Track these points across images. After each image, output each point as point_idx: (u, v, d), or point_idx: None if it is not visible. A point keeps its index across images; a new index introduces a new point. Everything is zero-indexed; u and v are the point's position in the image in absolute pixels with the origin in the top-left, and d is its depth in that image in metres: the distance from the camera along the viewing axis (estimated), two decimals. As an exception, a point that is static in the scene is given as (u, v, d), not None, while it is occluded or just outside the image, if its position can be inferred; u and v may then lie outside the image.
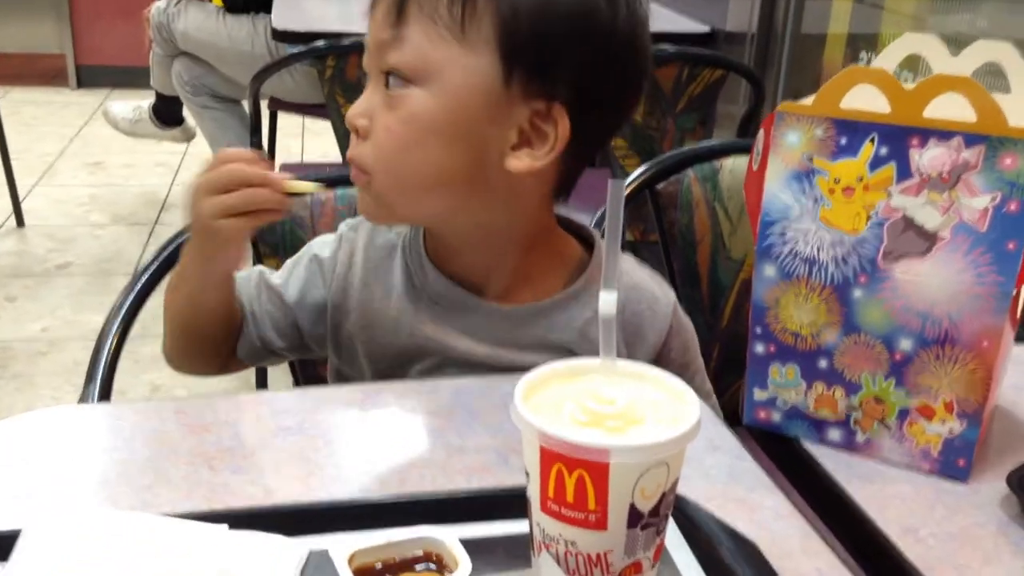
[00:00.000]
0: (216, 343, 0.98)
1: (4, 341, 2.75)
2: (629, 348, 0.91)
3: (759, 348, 0.80)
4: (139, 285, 1.09)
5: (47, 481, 0.72)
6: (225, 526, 0.64)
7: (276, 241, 1.25)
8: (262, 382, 1.99)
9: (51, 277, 3.17)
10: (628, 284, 0.93)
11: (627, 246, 2.94)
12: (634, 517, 0.56)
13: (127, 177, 4.05)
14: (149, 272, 1.11)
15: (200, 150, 3.59)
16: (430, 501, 0.69)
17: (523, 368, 0.87)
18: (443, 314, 0.91)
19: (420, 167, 0.83)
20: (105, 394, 1.06)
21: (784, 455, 0.79)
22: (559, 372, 0.61)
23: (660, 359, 0.93)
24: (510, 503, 0.65)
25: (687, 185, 1.47)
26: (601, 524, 0.56)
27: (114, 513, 0.65)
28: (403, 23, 0.82)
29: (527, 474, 0.58)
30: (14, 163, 3.58)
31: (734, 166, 1.50)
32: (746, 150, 1.50)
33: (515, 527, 0.65)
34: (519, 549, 0.62)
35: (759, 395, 0.80)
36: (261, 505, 0.68)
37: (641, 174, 1.46)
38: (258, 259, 1.25)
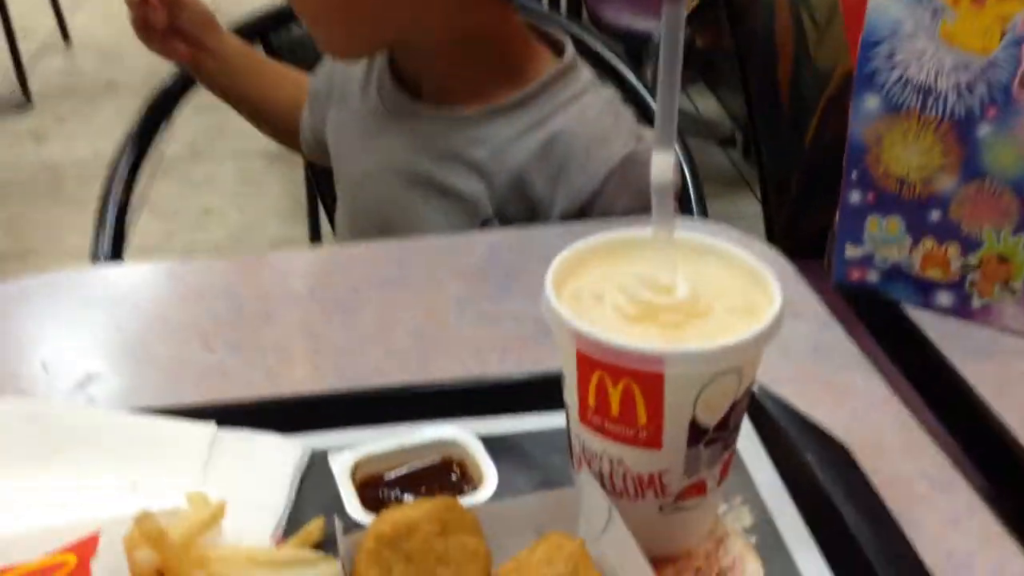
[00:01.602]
0: (273, 127, 1.03)
1: (57, 164, 2.70)
2: (552, 186, 0.79)
3: (855, 197, 0.66)
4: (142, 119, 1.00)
5: (10, 358, 0.63)
6: (213, 424, 0.54)
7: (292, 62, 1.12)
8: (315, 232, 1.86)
9: (99, 96, 3.07)
10: (576, 113, 0.81)
11: (694, 57, 2.72)
12: (695, 433, 0.45)
13: (173, -13, 3.87)
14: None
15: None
16: (455, 390, 0.58)
17: (440, 186, 0.81)
18: (382, 110, 0.87)
19: (319, 4, 0.81)
20: (119, 240, 0.97)
21: (881, 324, 0.67)
22: (601, 249, 0.49)
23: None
24: (552, 390, 0.55)
25: (768, -15, 1.28)
26: (654, 442, 0.45)
27: (78, 408, 0.56)
28: None
29: (564, 376, 0.47)
30: (60, -26, 3.42)
31: (824, -39, 1.30)
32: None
33: (557, 420, 0.54)
34: (562, 451, 0.52)
35: (852, 252, 0.67)
36: (259, 397, 0.58)
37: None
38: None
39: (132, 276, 0.74)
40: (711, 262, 0.48)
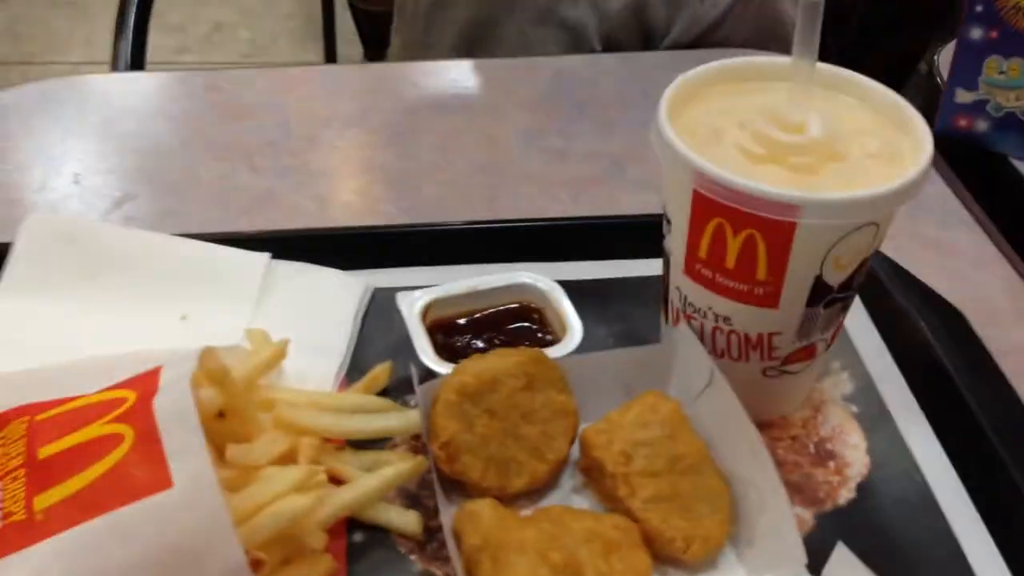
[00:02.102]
0: None
1: (58, -32, 2.56)
2: (671, 11, 0.71)
3: (975, 33, 0.59)
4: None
5: (45, 164, 0.58)
6: (267, 255, 0.49)
7: None
8: (331, 55, 1.73)
9: None
10: None
11: None
12: (819, 292, 0.40)
13: None
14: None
15: None
16: (530, 230, 0.53)
17: (537, 10, 0.72)
18: None
19: None
20: (139, 49, 0.89)
21: (986, 178, 0.61)
22: (721, 76, 0.43)
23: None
24: (633, 236, 0.50)
25: None
26: (771, 300, 0.40)
27: (119, 230, 0.51)
28: None
29: (666, 218, 0.42)
30: None
31: None
32: None
33: (641, 268, 0.50)
34: (648, 304, 0.47)
35: (963, 96, 0.61)
36: (314, 228, 0.53)
37: None
38: None
39: (166, 85, 0.67)
40: (851, 98, 0.42)
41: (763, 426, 0.45)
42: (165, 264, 0.48)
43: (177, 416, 0.35)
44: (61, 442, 0.35)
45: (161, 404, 0.35)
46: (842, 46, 1.30)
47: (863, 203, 0.37)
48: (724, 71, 0.43)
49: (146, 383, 0.36)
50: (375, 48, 1.27)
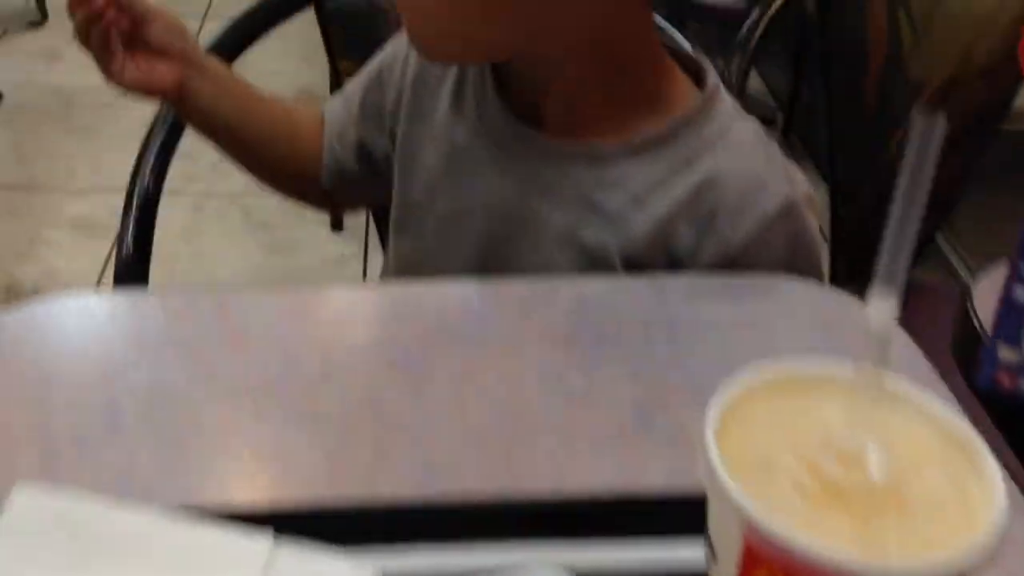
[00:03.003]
0: (269, 168, 0.85)
1: (68, 89, 2.58)
2: (698, 238, 0.67)
3: (1020, 293, 0.57)
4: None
5: (33, 417, 0.54)
6: (270, 535, 0.46)
7: (350, 37, 1.01)
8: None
9: (117, 17, 2.94)
10: (726, 153, 0.68)
11: (789, 71, 2.58)
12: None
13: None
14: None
15: None
16: (548, 507, 0.49)
17: (556, 232, 0.68)
18: (483, 138, 0.72)
19: None
20: (142, 251, 0.87)
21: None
22: (775, 385, 0.40)
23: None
24: (656, 513, 0.46)
25: (863, -18, 1.17)
26: (826, 651, 0.36)
27: (109, 509, 0.47)
28: None
29: (710, 546, 0.38)
30: None
31: (927, -40, 1.19)
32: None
33: (666, 555, 0.46)
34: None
35: (1007, 355, 0.58)
36: (322, 501, 0.49)
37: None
38: (332, 60, 1.03)
39: (159, 308, 0.64)
40: (915, 422, 0.39)
41: None
42: (158, 555, 0.44)
43: None
44: None
45: None
46: (850, 221, 1.29)
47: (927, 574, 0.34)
48: (776, 382, 0.40)
49: None
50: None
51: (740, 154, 0.68)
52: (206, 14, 2.97)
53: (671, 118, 0.68)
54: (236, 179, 2.30)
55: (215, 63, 0.78)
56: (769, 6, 1.16)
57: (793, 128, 2.71)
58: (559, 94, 0.69)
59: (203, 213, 2.22)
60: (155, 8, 0.72)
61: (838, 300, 0.67)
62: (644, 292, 0.66)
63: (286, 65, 2.58)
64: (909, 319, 0.59)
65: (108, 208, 2.17)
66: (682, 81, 0.70)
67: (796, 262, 0.69)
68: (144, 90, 0.73)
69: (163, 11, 0.73)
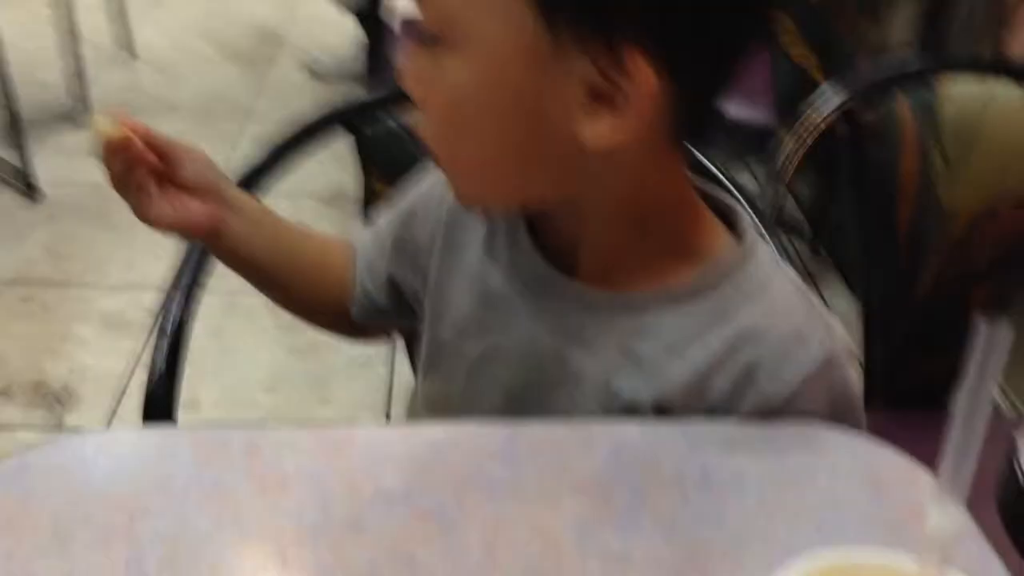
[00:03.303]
0: (299, 301, 0.85)
1: (106, 186, 2.63)
2: (734, 392, 0.66)
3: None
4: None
5: (55, 563, 0.53)
6: None
7: (386, 160, 1.02)
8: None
9: (158, 116, 3.01)
10: (765, 305, 0.67)
11: (819, 187, 2.60)
12: None
13: (243, 6, 3.83)
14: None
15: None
16: None
17: (589, 380, 0.67)
18: (517, 283, 0.71)
19: (473, 150, 0.64)
20: (175, 355, 0.87)
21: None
22: (837, 570, 0.39)
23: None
24: None
25: (894, 114, 1.18)
26: None
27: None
28: None
29: None
30: (130, -19, 3.39)
31: (960, 93, 1.20)
32: (980, 69, 1.19)
33: None
34: None
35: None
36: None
37: (837, 95, 1.18)
38: (368, 183, 1.04)
39: (187, 446, 0.64)
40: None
41: None
42: None
43: None
44: None
45: None
46: (883, 356, 1.27)
47: None
48: (833, 573, 0.39)
49: None
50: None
51: (779, 308, 0.67)
52: (247, 118, 3.04)
53: (707, 268, 0.67)
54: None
55: (247, 199, 0.78)
56: (800, 131, 1.17)
57: (822, 241, 2.71)
58: (593, 243, 0.68)
59: (233, 311, 2.24)
60: (186, 146, 0.72)
61: (883, 454, 0.65)
62: (680, 440, 0.65)
63: (319, 166, 2.62)
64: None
65: (139, 306, 2.19)
66: (717, 229, 0.70)
67: (837, 415, 0.68)
68: (179, 230, 0.74)
69: (194, 149, 0.73)
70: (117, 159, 0.69)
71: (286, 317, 0.87)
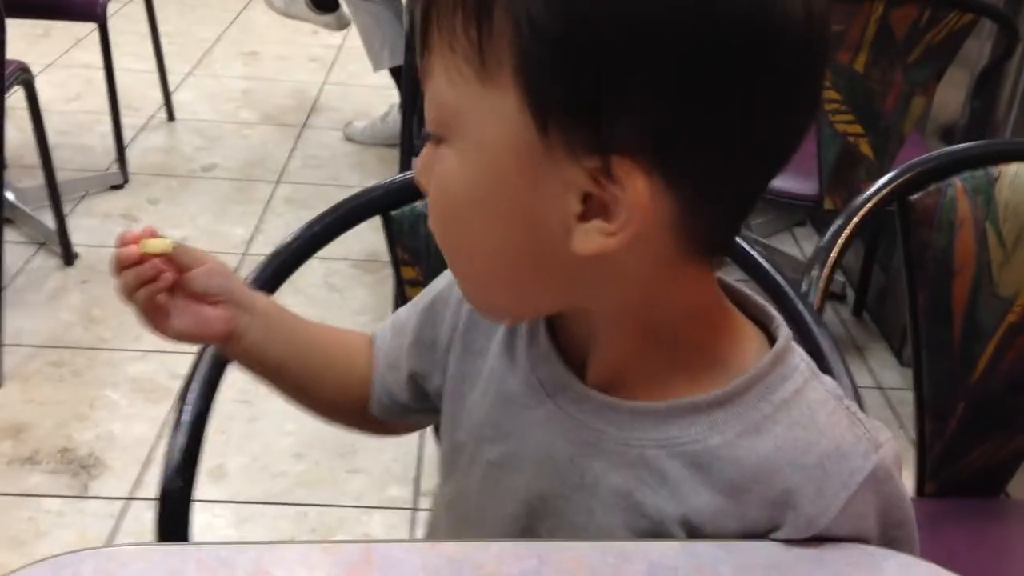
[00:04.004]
0: (318, 400, 0.82)
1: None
2: (773, 512, 0.61)
3: None
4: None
5: None
6: None
7: (417, 247, 1.00)
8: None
9: (195, 179, 3.03)
10: (802, 417, 0.61)
11: (864, 262, 2.56)
12: None
13: (280, 71, 3.87)
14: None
15: (355, 45, 3.36)
16: None
17: (610, 492, 0.63)
18: (535, 384, 0.67)
19: (467, 249, 0.62)
20: (193, 450, 0.84)
21: None
22: None
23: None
24: None
25: (951, 198, 1.13)
26: None
27: None
28: (428, 51, 0.57)
29: None
30: (170, 46, 3.44)
31: (1017, 175, 1.15)
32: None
33: None
34: None
35: None
36: None
37: (891, 180, 1.13)
38: (397, 268, 1.01)
39: (192, 564, 0.60)
40: None
41: None
42: None
43: None
44: None
45: None
46: (937, 442, 1.21)
47: None
48: None
49: None
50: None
51: (819, 420, 0.61)
52: (282, 180, 3.05)
53: (737, 378, 0.62)
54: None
55: (262, 299, 0.76)
56: (849, 214, 1.12)
57: (866, 307, 2.65)
58: (612, 350, 0.64)
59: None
60: (198, 253, 0.71)
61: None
62: (720, 560, 0.60)
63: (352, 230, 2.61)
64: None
65: (168, 370, 2.17)
66: (748, 337, 0.65)
67: (888, 531, 0.63)
68: (194, 340, 0.72)
69: (205, 254, 0.71)
70: (131, 273, 0.68)
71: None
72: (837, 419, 0.62)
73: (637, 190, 0.54)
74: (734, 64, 0.52)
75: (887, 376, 2.39)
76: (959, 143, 1.40)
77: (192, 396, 0.84)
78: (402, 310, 0.80)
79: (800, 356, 0.64)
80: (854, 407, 0.64)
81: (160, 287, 0.68)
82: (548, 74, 0.53)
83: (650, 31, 0.51)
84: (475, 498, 0.71)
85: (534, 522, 0.66)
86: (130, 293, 0.69)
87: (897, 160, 1.99)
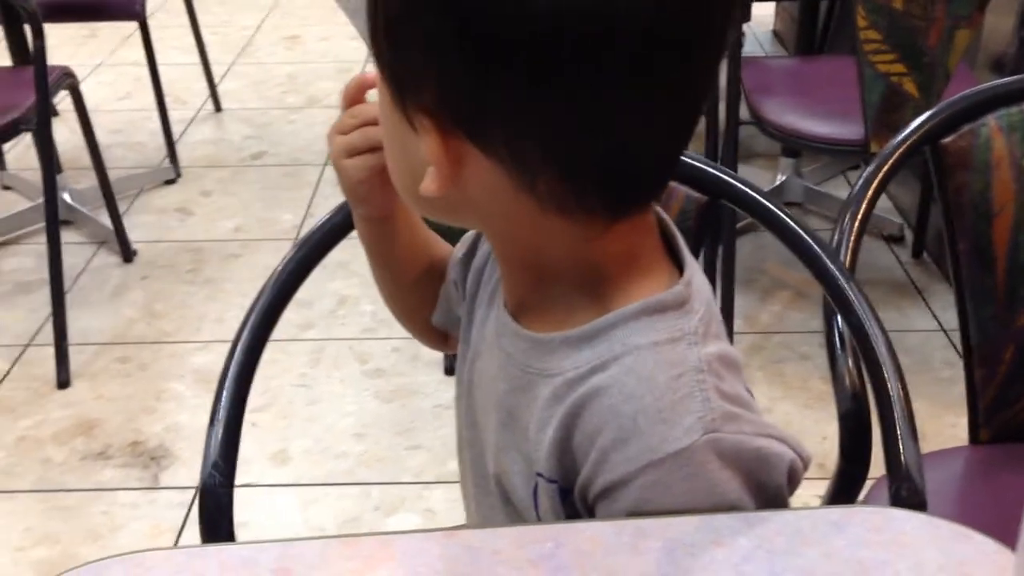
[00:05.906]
0: (411, 304, 0.89)
1: (198, 243, 2.68)
2: (586, 451, 0.62)
3: None
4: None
5: None
6: None
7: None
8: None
9: (245, 168, 3.07)
10: (642, 366, 0.60)
11: (921, 201, 2.49)
12: None
13: (323, 53, 3.89)
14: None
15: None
16: None
17: (517, 423, 0.68)
18: (495, 328, 0.72)
19: (390, 167, 0.69)
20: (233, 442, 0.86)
21: None
22: None
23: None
24: None
25: (986, 138, 1.10)
26: None
27: None
28: None
29: None
30: (212, 37, 3.48)
31: (1054, 108, 1.11)
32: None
33: None
34: None
35: None
36: None
37: (921, 124, 1.10)
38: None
39: (214, 564, 0.61)
40: None
41: None
42: None
43: None
44: None
45: None
46: (988, 388, 1.18)
47: None
48: None
49: None
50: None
51: (657, 377, 0.60)
52: (326, 162, 3.08)
53: (614, 312, 0.63)
54: (351, 326, 2.35)
55: None
56: (881, 161, 1.09)
57: (925, 247, 2.59)
58: (512, 280, 0.70)
59: (319, 360, 2.25)
60: None
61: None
62: (739, 532, 0.60)
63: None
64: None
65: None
66: (658, 284, 0.64)
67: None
68: (370, 203, 0.79)
69: None
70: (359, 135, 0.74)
71: (371, 363, 0.88)
72: (679, 386, 0.59)
73: (431, 144, 0.59)
74: (525, 44, 0.54)
75: (950, 317, 2.33)
76: (1010, 75, 1.35)
77: (226, 392, 0.85)
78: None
79: (695, 317, 0.62)
80: (732, 390, 0.61)
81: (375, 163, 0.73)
82: (378, 42, 0.61)
83: None
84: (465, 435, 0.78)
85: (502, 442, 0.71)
86: (351, 153, 0.74)
87: (944, 96, 1.93)
